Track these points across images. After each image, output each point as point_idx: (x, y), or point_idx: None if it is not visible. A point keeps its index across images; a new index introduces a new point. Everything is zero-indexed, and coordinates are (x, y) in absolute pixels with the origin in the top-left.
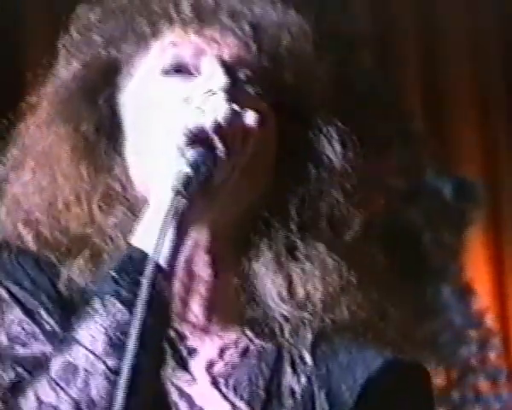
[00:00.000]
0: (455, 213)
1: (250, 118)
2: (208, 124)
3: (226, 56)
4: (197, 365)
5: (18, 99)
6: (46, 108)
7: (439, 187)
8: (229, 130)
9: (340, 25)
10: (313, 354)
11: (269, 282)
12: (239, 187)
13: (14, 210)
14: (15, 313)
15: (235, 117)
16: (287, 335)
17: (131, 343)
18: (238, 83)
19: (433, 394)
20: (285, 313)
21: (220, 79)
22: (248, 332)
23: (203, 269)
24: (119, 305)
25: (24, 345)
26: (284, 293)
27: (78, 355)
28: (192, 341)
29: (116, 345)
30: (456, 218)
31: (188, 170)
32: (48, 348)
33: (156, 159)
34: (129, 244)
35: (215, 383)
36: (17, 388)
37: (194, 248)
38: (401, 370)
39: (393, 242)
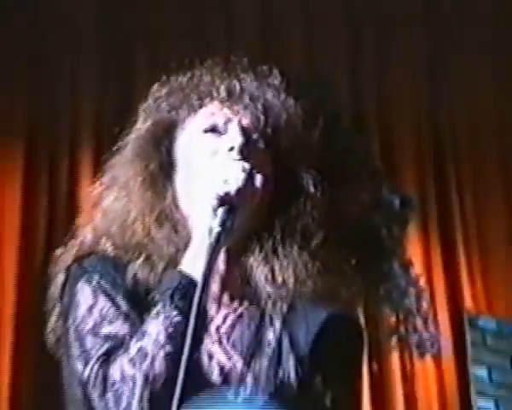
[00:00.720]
0: (400, 216)
1: (259, 181)
2: (232, 191)
3: (244, 124)
4: (211, 328)
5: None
6: (129, 150)
7: (391, 200)
8: (246, 192)
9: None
10: (283, 317)
11: (259, 271)
12: (246, 220)
13: (98, 226)
14: (102, 300)
15: (249, 182)
16: (269, 305)
17: (189, 336)
18: (250, 141)
19: (361, 337)
20: (269, 292)
21: (238, 138)
22: (245, 303)
23: (221, 264)
24: (174, 312)
25: (110, 323)
26: (269, 278)
27: (148, 343)
28: (211, 311)
29: (172, 338)
30: (401, 220)
31: (218, 229)
32: (125, 327)
33: (197, 204)
34: (180, 271)
35: (220, 341)
36: (106, 359)
37: None
38: (341, 320)
39: (363, 235)
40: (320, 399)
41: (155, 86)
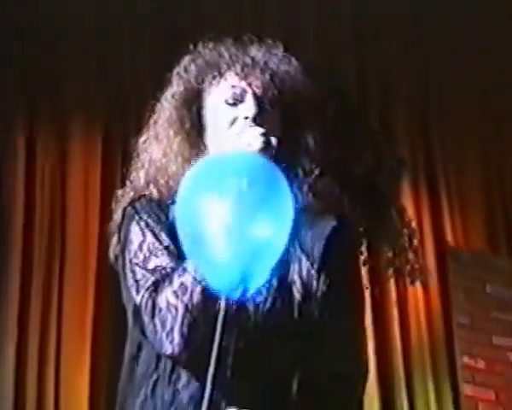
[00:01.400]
0: (396, 173)
1: (274, 142)
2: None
3: (257, 92)
4: None
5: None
6: (167, 111)
7: (389, 161)
8: (264, 152)
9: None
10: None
11: None
12: None
13: (147, 174)
14: (150, 236)
15: (266, 144)
16: None
17: None
18: (263, 108)
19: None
20: None
21: (252, 108)
22: None
23: None
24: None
25: (156, 257)
26: None
27: (187, 279)
28: None
29: None
30: (397, 175)
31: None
32: (169, 260)
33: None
34: None
35: None
36: (154, 289)
37: None
38: (345, 228)
39: (366, 188)
40: (327, 301)
41: (186, 58)
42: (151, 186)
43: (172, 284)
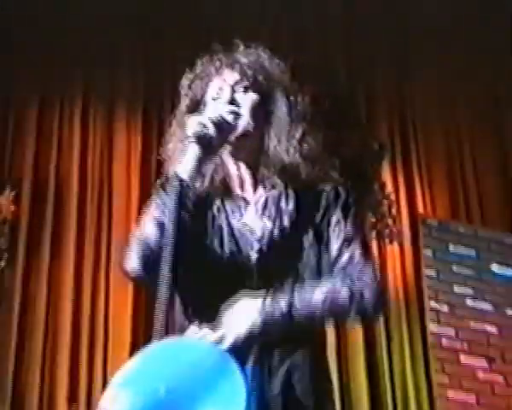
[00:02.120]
0: (378, 155)
1: (244, 118)
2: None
3: (236, 83)
4: (251, 205)
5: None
6: (177, 117)
7: (373, 144)
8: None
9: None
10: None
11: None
12: (250, 143)
13: (168, 163)
14: (157, 203)
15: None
16: (283, 188)
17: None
18: (235, 96)
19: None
20: (281, 178)
21: (229, 95)
22: (267, 188)
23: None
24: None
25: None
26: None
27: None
28: (248, 196)
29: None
30: (379, 157)
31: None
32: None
33: None
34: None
35: (257, 212)
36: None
37: None
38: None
39: (353, 166)
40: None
41: (186, 74)
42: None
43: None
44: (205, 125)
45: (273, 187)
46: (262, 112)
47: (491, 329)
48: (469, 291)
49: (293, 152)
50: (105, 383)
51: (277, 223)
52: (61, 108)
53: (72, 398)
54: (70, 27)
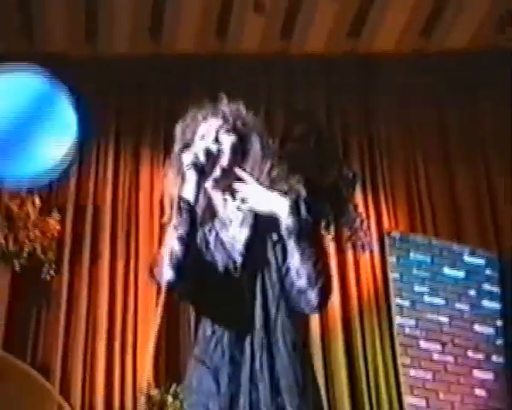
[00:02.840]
0: (352, 182)
1: (225, 154)
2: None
3: (220, 127)
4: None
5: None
6: (172, 157)
7: (347, 174)
8: (212, 158)
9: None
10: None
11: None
12: (230, 171)
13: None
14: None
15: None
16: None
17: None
18: (219, 136)
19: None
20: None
21: (213, 135)
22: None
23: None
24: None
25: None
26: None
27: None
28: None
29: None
30: (353, 184)
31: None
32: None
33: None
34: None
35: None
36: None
37: None
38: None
39: (333, 192)
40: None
41: (180, 123)
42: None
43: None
44: (197, 155)
45: (245, 201)
46: (240, 150)
47: (444, 319)
48: (426, 290)
49: (263, 179)
50: (135, 366)
51: (253, 230)
52: (98, 148)
53: (108, 381)
54: (105, 89)
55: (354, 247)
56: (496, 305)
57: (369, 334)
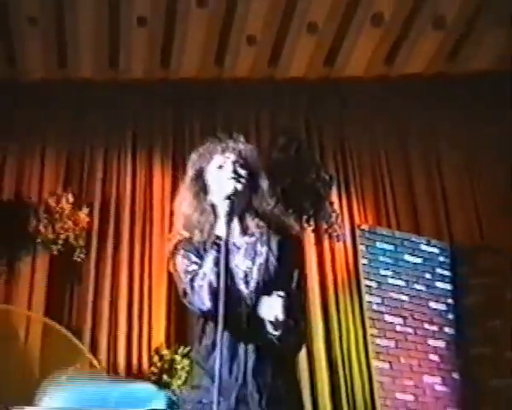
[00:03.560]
0: (328, 182)
1: (240, 187)
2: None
3: (232, 160)
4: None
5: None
6: (186, 182)
7: (324, 176)
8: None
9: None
10: (268, 239)
11: (253, 223)
12: (242, 205)
13: (182, 225)
14: (185, 260)
15: (237, 188)
16: (260, 236)
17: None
18: (237, 169)
19: (301, 245)
20: (257, 230)
21: (230, 169)
22: (248, 237)
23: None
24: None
25: (188, 267)
26: (256, 225)
27: (206, 270)
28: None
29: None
30: (329, 184)
31: (228, 209)
32: (195, 267)
33: (218, 201)
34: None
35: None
36: (191, 278)
37: None
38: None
39: (311, 192)
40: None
41: (194, 151)
42: (185, 232)
43: (199, 276)
44: (231, 198)
45: (253, 234)
46: (250, 185)
47: (405, 298)
48: (390, 273)
49: (268, 213)
50: (149, 330)
51: (255, 262)
52: (119, 155)
53: (128, 342)
54: (124, 106)
55: (330, 237)
56: (447, 286)
57: (343, 309)
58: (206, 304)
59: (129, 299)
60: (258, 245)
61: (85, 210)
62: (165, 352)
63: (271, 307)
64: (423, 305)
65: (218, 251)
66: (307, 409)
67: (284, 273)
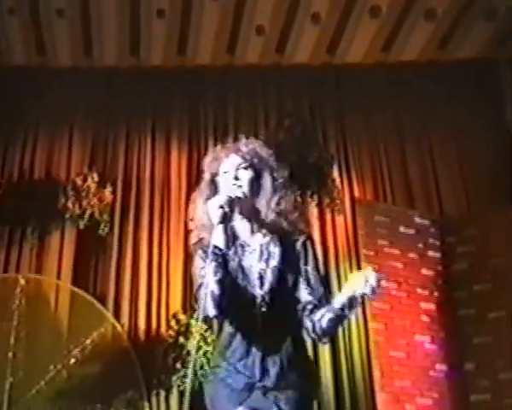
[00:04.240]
0: (331, 163)
1: (246, 190)
2: (236, 195)
3: (238, 162)
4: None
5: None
6: (201, 185)
7: (327, 157)
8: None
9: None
10: (279, 239)
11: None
12: (249, 208)
13: (197, 226)
14: (201, 261)
15: (240, 192)
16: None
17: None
18: (238, 174)
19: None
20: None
21: (234, 173)
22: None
23: (247, 227)
24: (214, 261)
25: (204, 268)
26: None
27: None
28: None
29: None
30: (331, 164)
31: (221, 214)
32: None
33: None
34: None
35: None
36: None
37: None
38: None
39: (317, 170)
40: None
41: (208, 153)
42: (202, 232)
43: (203, 285)
44: (223, 207)
45: (265, 235)
46: (256, 184)
47: (400, 265)
48: (386, 243)
49: (271, 212)
50: (167, 297)
51: (269, 264)
52: (139, 137)
53: (148, 308)
54: (144, 92)
55: (332, 211)
56: (437, 254)
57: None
58: (212, 312)
59: (148, 269)
60: (271, 246)
61: (109, 188)
62: (181, 317)
63: (368, 280)
64: (416, 271)
65: (217, 260)
66: None
67: (295, 270)
